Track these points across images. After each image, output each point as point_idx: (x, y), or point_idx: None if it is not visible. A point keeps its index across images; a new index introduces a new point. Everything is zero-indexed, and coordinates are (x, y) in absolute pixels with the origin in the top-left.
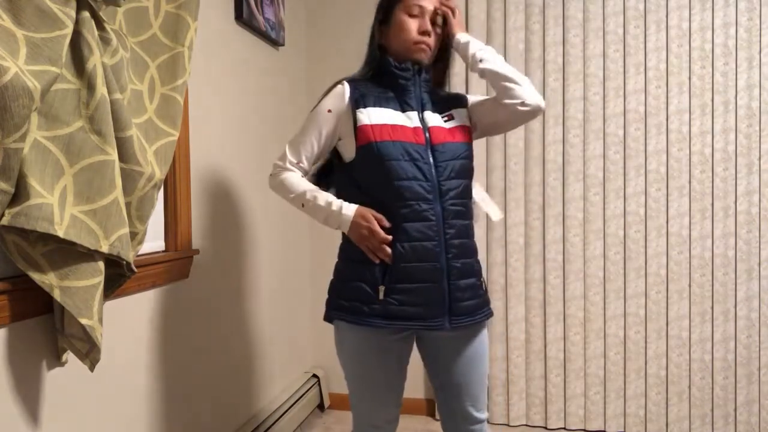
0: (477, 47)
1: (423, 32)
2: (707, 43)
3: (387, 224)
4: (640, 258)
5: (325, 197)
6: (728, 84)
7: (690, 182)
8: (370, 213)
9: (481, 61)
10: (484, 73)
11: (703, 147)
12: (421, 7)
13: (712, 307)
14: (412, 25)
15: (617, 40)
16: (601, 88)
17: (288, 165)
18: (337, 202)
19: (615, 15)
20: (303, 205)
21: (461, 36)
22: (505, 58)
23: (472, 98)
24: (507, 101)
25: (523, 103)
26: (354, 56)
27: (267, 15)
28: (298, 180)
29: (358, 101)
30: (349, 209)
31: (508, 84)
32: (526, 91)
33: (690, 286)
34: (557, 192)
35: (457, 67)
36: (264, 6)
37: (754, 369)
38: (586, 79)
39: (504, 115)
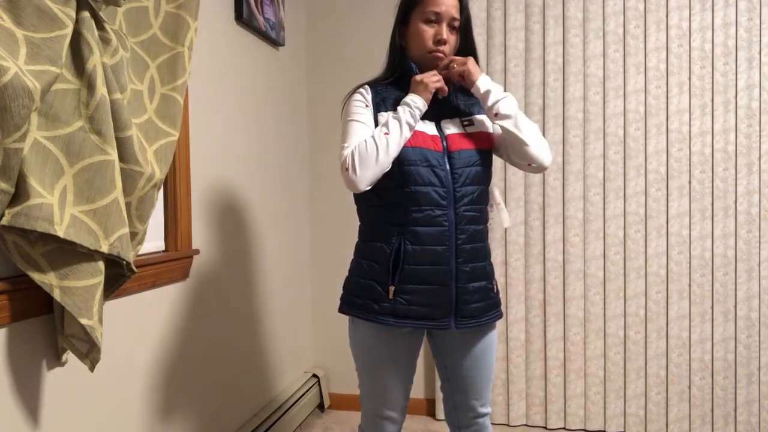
0: (495, 98)
1: (438, 41)
2: (707, 43)
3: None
4: (640, 258)
5: (387, 121)
6: (728, 84)
7: (690, 182)
8: (417, 83)
9: (497, 115)
10: (498, 124)
11: (703, 147)
12: (437, 13)
13: (712, 307)
14: (428, 33)
15: (617, 40)
16: (601, 88)
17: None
18: (398, 109)
19: (615, 15)
20: (387, 134)
21: (481, 84)
22: (505, 58)
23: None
24: (516, 159)
25: (530, 165)
26: (354, 56)
27: (267, 15)
28: (366, 138)
29: (379, 105)
30: (410, 100)
31: (519, 144)
32: (536, 152)
33: (690, 286)
34: (557, 192)
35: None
36: (264, 6)
37: (754, 369)
38: (586, 79)
39: (509, 159)
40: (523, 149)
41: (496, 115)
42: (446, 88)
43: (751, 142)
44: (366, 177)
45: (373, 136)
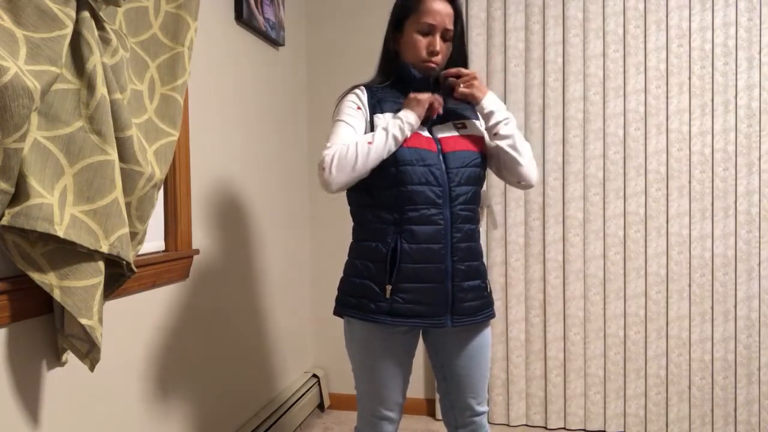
0: (498, 118)
1: (431, 52)
2: (707, 43)
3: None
4: (640, 258)
5: (377, 129)
6: (728, 84)
7: (690, 182)
8: (410, 99)
9: (496, 135)
10: (496, 143)
11: (703, 147)
12: (432, 25)
13: (712, 307)
14: (422, 43)
15: (617, 40)
16: (601, 88)
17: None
18: (389, 122)
19: (615, 15)
20: (370, 143)
21: (486, 104)
22: (505, 58)
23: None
24: (507, 176)
25: (519, 182)
26: (354, 56)
27: (267, 15)
28: (347, 144)
29: (375, 107)
30: (402, 115)
31: (514, 164)
32: (527, 172)
33: (690, 286)
34: (557, 192)
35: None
36: (264, 6)
37: (754, 369)
38: (586, 79)
39: (498, 173)
40: (517, 168)
41: (495, 134)
42: (440, 108)
43: (751, 142)
44: (339, 181)
45: (356, 143)
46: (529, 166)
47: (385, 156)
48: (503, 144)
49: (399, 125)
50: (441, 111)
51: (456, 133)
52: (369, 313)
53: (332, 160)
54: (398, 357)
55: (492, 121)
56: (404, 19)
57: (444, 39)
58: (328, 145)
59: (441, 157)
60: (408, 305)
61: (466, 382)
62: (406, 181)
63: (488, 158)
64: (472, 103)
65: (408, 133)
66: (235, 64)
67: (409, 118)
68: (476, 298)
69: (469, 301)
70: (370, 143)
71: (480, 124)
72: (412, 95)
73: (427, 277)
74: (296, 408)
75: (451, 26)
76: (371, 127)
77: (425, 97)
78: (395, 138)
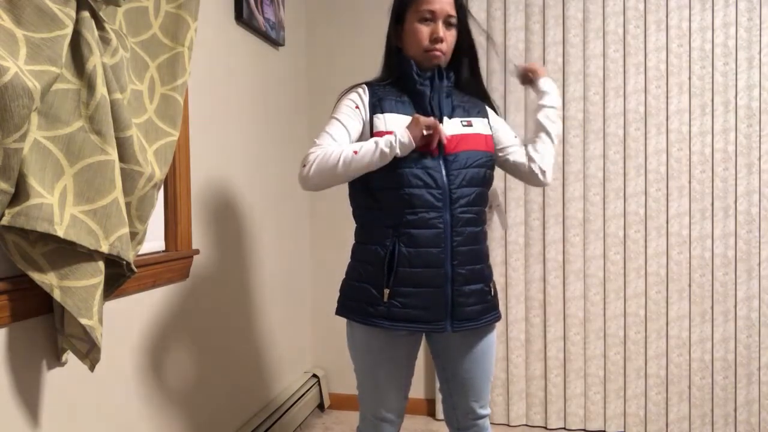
0: (551, 102)
1: (435, 39)
2: (707, 43)
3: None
4: (640, 258)
5: (369, 141)
6: (728, 84)
7: (690, 182)
8: (412, 119)
9: (547, 116)
10: (538, 119)
11: (703, 147)
12: (432, 11)
13: (712, 307)
14: (424, 32)
15: (617, 40)
16: (601, 88)
17: (320, 144)
18: (384, 137)
19: (615, 15)
20: (355, 152)
21: (543, 84)
22: (505, 58)
23: (495, 120)
24: (533, 154)
25: (541, 169)
26: (354, 56)
27: (267, 15)
28: (336, 146)
29: (375, 106)
30: (398, 133)
31: (547, 145)
32: (550, 162)
33: (690, 286)
34: (557, 192)
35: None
36: (264, 6)
37: (754, 369)
38: (586, 79)
39: (513, 166)
40: (547, 154)
41: (546, 116)
42: (443, 137)
43: (751, 142)
44: (315, 182)
45: (342, 150)
46: (551, 161)
47: (370, 168)
48: (547, 126)
49: (390, 141)
50: (444, 139)
51: (461, 132)
52: (368, 317)
53: (315, 159)
54: (399, 360)
55: (545, 101)
56: (404, 11)
57: (448, 26)
58: (318, 142)
59: (441, 159)
60: (406, 310)
61: (470, 385)
62: (403, 184)
63: (499, 152)
64: (534, 78)
65: (399, 152)
66: (235, 64)
67: (402, 137)
68: (478, 302)
69: (470, 305)
70: (355, 152)
71: (486, 122)
72: (415, 116)
73: (425, 282)
74: (296, 408)
75: (453, 12)
76: (371, 126)
77: (425, 119)
78: (382, 153)
